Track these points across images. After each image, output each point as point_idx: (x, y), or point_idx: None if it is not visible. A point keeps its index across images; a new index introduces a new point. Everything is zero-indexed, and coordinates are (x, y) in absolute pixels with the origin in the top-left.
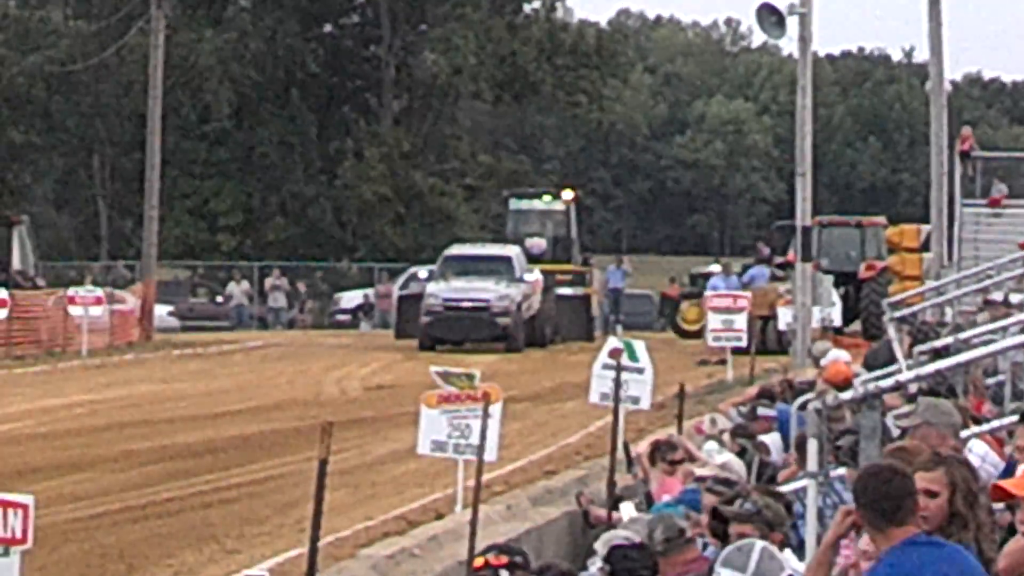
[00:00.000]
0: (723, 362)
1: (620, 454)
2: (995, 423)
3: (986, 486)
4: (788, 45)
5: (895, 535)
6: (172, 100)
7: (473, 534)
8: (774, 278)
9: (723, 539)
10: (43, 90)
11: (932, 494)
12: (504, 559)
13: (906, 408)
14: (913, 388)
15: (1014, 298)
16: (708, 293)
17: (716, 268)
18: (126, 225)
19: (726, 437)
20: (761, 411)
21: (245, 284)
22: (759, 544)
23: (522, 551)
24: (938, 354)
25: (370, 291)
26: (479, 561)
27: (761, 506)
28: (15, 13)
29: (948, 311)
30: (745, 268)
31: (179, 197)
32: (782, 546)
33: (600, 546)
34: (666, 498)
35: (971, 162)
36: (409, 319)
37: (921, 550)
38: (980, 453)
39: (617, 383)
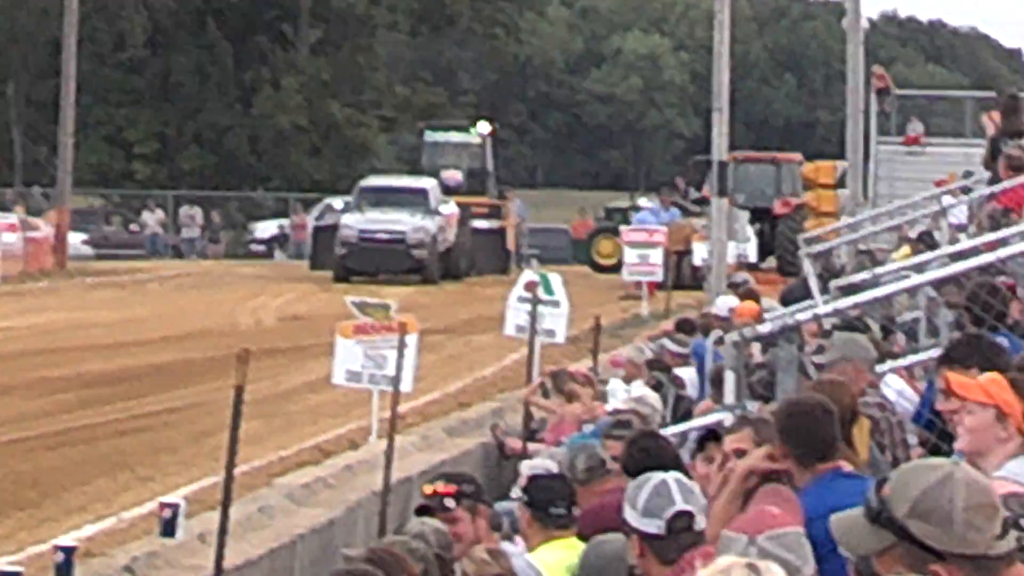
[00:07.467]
0: (637, 297)
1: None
2: (912, 358)
3: (902, 419)
4: None
5: (820, 469)
6: (88, 27)
7: (388, 464)
8: (687, 213)
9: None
10: None
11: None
12: (452, 488)
13: (815, 342)
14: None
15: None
16: (628, 227)
17: (646, 203)
18: (41, 152)
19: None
20: (669, 346)
21: (160, 213)
22: (654, 479)
23: (473, 479)
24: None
25: (285, 221)
26: (428, 489)
27: None
28: None
29: (863, 247)
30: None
31: (94, 125)
32: None
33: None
34: (563, 439)
35: (887, 100)
36: (324, 250)
37: (844, 482)
38: (896, 388)
39: (533, 316)
